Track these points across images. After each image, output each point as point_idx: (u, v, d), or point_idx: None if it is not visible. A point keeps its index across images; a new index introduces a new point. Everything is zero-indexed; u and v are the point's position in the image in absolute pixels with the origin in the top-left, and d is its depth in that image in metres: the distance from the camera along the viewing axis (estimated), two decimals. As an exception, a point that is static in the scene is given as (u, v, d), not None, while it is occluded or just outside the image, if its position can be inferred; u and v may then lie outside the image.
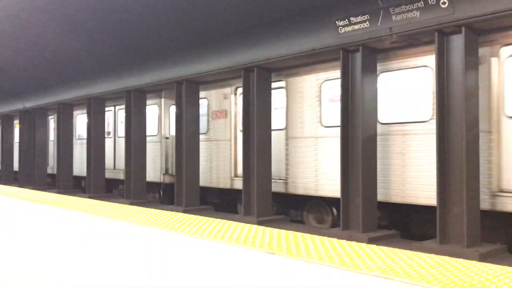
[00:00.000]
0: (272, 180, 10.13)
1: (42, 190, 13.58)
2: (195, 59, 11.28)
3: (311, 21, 8.62)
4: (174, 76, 11.92)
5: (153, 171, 13.94)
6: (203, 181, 12.03)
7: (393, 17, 7.46)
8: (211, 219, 6.69)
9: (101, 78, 14.63)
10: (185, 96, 11.64)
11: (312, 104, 9.65)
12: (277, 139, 10.28)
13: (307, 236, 5.42)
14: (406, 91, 8.35)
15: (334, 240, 5.18)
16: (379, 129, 8.39)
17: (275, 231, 5.71)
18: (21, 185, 18.31)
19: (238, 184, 10.89)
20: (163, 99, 14.16)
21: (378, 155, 8.30)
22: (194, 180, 11.71)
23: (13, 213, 7.47)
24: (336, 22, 8.17)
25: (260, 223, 9.01)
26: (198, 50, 11.09)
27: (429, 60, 7.82)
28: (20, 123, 20.21)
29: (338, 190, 8.34)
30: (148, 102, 13.92)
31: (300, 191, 9.79)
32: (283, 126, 10.26)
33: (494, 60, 7.17)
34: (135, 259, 4.33)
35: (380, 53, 8.36)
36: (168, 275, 3.78)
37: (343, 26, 8.12)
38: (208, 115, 12.27)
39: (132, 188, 13.24)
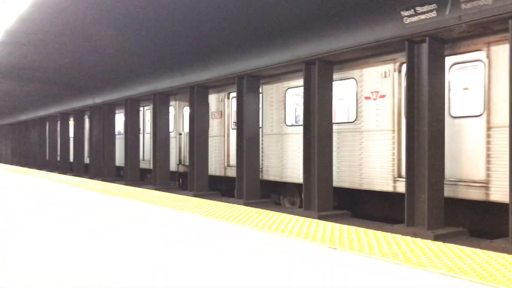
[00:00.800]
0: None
1: (110, 182, 14.20)
2: (256, 54, 11.34)
3: (375, 12, 8.41)
4: (235, 71, 12.05)
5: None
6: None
7: (463, 5, 7.12)
8: (271, 213, 6.72)
9: (165, 74, 15.06)
10: (246, 90, 11.76)
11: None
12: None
13: (370, 231, 5.32)
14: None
15: (398, 236, 5.04)
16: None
17: (336, 226, 5.64)
18: (92, 176, 19.24)
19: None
20: (177, 102, 16.39)
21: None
22: (254, 174, 11.82)
23: (94, 205, 7.85)
24: (401, 12, 7.92)
25: (321, 217, 8.94)
26: (259, 45, 11.13)
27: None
28: (90, 118, 21.24)
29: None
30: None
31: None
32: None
33: None
34: (212, 251, 4.43)
35: (447, 43, 8.02)
36: (236, 265, 3.85)
37: (409, 16, 7.85)
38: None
39: (195, 182, 13.55)
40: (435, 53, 7.87)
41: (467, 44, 7.94)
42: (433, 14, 7.53)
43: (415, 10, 7.75)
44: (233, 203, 7.75)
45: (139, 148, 17.90)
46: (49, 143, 27.13)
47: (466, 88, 8.70)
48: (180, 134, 16.55)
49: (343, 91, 11.15)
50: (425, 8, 7.60)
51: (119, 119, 19.70)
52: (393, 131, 9.06)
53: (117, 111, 19.71)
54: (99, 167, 20.02)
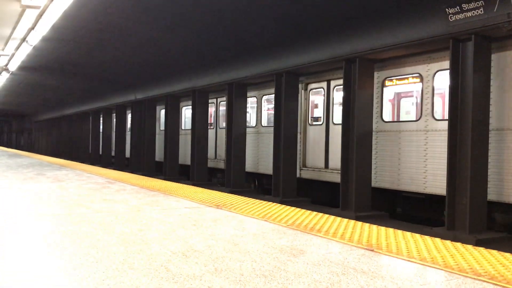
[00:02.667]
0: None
1: (150, 176, 14.46)
2: (295, 51, 11.27)
3: (418, 9, 8.19)
4: (273, 69, 12.01)
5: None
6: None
7: (512, 2, 6.84)
8: (307, 212, 6.67)
9: (204, 71, 15.18)
10: (285, 88, 11.72)
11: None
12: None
13: (408, 234, 5.20)
14: None
15: (437, 240, 4.90)
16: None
17: (374, 227, 5.54)
18: (132, 171, 19.64)
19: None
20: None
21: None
22: (291, 173, 11.77)
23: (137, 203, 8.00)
24: (446, 9, 7.67)
25: (358, 218, 8.80)
26: (299, 42, 11.05)
27: None
28: (131, 113, 21.68)
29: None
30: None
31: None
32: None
33: None
34: (243, 247, 4.44)
35: (495, 42, 7.72)
36: (267, 259, 3.84)
37: (454, 13, 7.60)
38: None
39: (232, 178, 13.62)
40: (481, 51, 7.60)
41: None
42: (480, 11, 7.26)
43: (461, 7, 7.49)
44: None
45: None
46: (92, 137, 27.89)
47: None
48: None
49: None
50: (472, 5, 7.33)
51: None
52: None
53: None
54: (138, 161, 20.40)
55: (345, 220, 6.06)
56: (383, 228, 5.50)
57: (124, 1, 10.47)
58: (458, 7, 7.51)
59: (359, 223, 5.81)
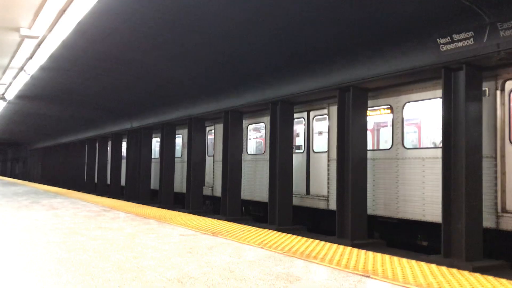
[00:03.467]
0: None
1: (145, 204, 14.37)
2: (290, 80, 11.44)
3: (410, 40, 8.38)
4: (268, 98, 12.17)
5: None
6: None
7: (501, 33, 7.01)
8: (304, 239, 6.66)
9: (201, 100, 15.34)
10: (280, 116, 11.84)
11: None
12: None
13: (404, 260, 5.20)
14: None
15: (433, 266, 4.91)
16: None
17: (370, 254, 5.54)
18: (127, 198, 19.54)
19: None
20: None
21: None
22: (287, 200, 11.77)
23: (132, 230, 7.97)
24: (437, 39, 7.86)
25: (354, 245, 8.77)
26: (293, 72, 11.24)
27: None
28: (127, 142, 21.72)
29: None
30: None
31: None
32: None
33: None
34: (239, 274, 4.43)
35: (485, 71, 7.89)
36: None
37: (445, 43, 7.79)
38: None
39: (228, 205, 13.59)
40: (472, 80, 7.75)
41: (508, 72, 7.80)
42: (471, 41, 7.44)
43: (451, 38, 7.67)
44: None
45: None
46: (87, 165, 27.83)
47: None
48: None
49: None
50: (462, 35, 7.52)
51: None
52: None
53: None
54: (134, 189, 20.35)
55: (341, 247, 6.06)
56: (379, 255, 5.50)
57: (121, 31, 10.64)
58: (449, 37, 7.69)
59: (355, 250, 5.81)
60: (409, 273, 4.57)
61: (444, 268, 4.81)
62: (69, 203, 12.34)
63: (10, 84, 17.96)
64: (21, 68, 15.26)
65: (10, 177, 48.71)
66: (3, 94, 20.35)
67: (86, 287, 3.81)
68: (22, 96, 20.50)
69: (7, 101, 21.71)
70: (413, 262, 5.12)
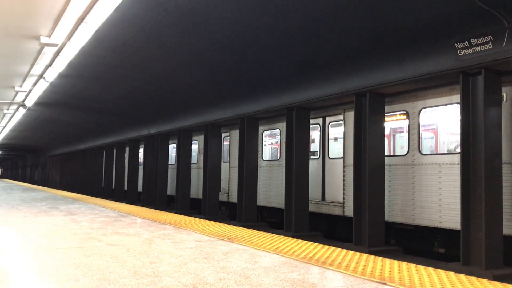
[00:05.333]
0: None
1: (161, 210, 14.45)
2: (306, 86, 11.43)
3: (428, 45, 8.31)
4: (284, 103, 12.17)
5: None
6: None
7: (521, 37, 6.92)
8: (319, 245, 6.62)
9: (217, 106, 15.41)
10: (296, 121, 11.83)
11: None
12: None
13: (421, 268, 5.13)
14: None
15: (451, 273, 4.83)
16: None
17: (386, 261, 5.48)
18: (144, 204, 19.67)
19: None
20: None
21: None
22: (303, 207, 11.73)
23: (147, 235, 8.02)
24: (455, 44, 7.78)
25: (371, 252, 8.70)
26: (309, 77, 11.23)
27: None
28: (144, 148, 21.90)
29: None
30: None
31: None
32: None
33: None
34: (255, 280, 4.42)
35: (504, 76, 7.78)
36: (276, 297, 3.81)
37: (463, 48, 7.70)
38: None
39: (244, 211, 13.59)
40: (491, 85, 7.65)
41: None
42: (489, 46, 7.35)
43: (469, 42, 7.59)
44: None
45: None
46: (105, 171, 28.11)
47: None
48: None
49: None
50: (481, 39, 7.43)
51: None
52: None
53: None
54: (150, 194, 20.49)
55: (358, 253, 6.01)
56: (396, 262, 5.44)
57: (138, 39, 10.76)
58: (467, 42, 7.61)
59: (372, 257, 5.76)
60: (426, 280, 4.51)
61: (462, 276, 4.74)
62: (86, 208, 12.47)
63: (30, 91, 18.28)
64: (41, 76, 15.53)
65: (30, 183, 49.43)
66: (23, 101, 20.71)
67: (102, 292, 3.85)
68: (42, 103, 20.84)
69: (27, 108, 22.08)
70: (431, 269, 5.05)
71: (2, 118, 28.36)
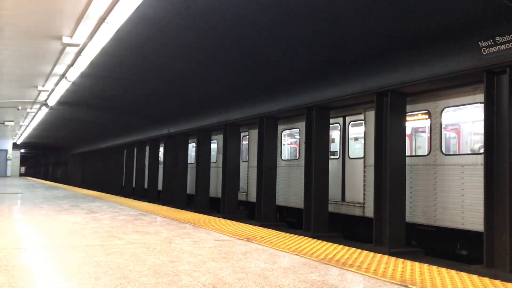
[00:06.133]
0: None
1: (181, 209, 14.54)
2: (326, 85, 11.35)
3: (450, 43, 8.17)
4: (304, 103, 12.11)
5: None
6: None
7: (547, 35, 6.75)
8: (339, 246, 6.57)
9: (236, 105, 15.43)
10: (315, 121, 11.76)
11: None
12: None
13: (443, 270, 5.04)
14: None
15: (474, 276, 4.74)
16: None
17: (407, 263, 5.40)
18: (164, 203, 19.81)
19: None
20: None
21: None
22: (323, 207, 11.65)
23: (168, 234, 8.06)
24: (479, 42, 7.63)
25: (392, 254, 8.59)
26: (329, 76, 11.15)
27: None
28: (164, 147, 22.07)
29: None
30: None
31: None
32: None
33: None
34: (274, 280, 4.40)
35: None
36: (296, 298, 3.78)
37: (487, 46, 7.55)
38: None
39: (262, 211, 13.58)
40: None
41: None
42: (514, 44, 7.19)
43: (494, 40, 7.43)
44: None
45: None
46: (126, 170, 28.41)
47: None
48: None
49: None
50: (506, 38, 7.27)
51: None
52: None
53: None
54: (170, 193, 20.63)
55: (378, 255, 5.93)
56: (417, 264, 5.36)
57: (159, 38, 10.83)
58: (491, 40, 7.45)
59: (393, 258, 5.68)
60: (448, 283, 4.42)
61: (486, 280, 4.64)
62: (107, 207, 12.60)
63: (53, 90, 18.57)
64: (63, 75, 15.76)
65: (52, 181, 50.27)
66: (46, 100, 21.05)
67: (122, 291, 3.87)
68: (63, 102, 21.15)
69: (50, 107, 22.44)
70: (453, 272, 4.96)
71: (26, 117, 28.88)
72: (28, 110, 24.85)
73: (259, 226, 10.63)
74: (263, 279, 4.43)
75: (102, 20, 9.87)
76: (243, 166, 16.61)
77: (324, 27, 9.00)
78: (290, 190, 13.74)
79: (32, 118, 28.77)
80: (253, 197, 15.12)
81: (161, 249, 5.99)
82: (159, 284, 4.13)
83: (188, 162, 20.51)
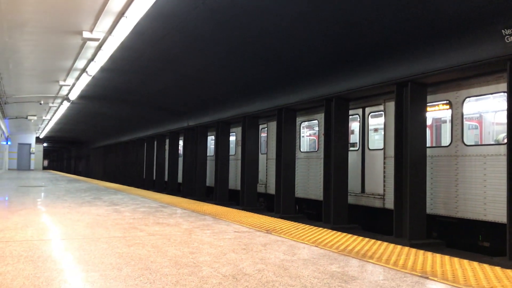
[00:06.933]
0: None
1: (201, 201, 14.66)
2: (345, 76, 11.27)
3: (473, 32, 8.02)
4: (322, 94, 12.04)
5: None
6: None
7: None
8: (359, 238, 6.55)
9: (254, 98, 15.43)
10: (334, 112, 11.70)
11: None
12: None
13: (465, 262, 4.99)
14: None
15: (497, 269, 4.68)
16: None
17: (428, 255, 5.36)
18: (184, 195, 19.99)
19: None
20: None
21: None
22: (342, 199, 11.62)
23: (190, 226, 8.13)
24: (502, 31, 7.47)
25: (412, 246, 8.54)
26: (348, 67, 11.06)
27: None
28: (184, 140, 22.22)
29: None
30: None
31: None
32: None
33: None
34: (294, 272, 4.43)
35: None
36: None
37: (511, 34, 7.39)
38: None
39: (282, 203, 13.60)
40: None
41: None
42: (539, 31, 7.03)
43: (518, 28, 7.28)
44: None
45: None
46: (146, 163, 28.72)
47: None
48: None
49: None
50: (530, 25, 7.11)
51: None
52: None
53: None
54: (190, 186, 20.79)
55: (398, 246, 5.90)
56: (438, 255, 5.32)
57: (177, 32, 10.88)
58: (515, 28, 7.30)
59: (413, 250, 5.64)
60: (471, 275, 4.38)
61: (510, 272, 4.58)
62: (128, 199, 12.77)
63: (74, 85, 18.83)
64: (84, 70, 15.96)
65: (74, 174, 51.09)
66: (67, 94, 21.36)
67: (144, 281, 3.93)
68: (85, 97, 21.44)
69: (71, 102, 22.77)
70: (475, 264, 4.91)
71: (48, 112, 29.38)
72: (50, 104, 25.27)
73: (278, 218, 10.66)
74: (283, 270, 4.45)
75: (121, 14, 9.96)
76: (262, 158, 16.64)
77: (343, 17, 8.92)
78: (309, 182, 13.73)
79: (54, 113, 29.25)
80: (272, 189, 15.15)
81: (181, 240, 6.06)
82: (180, 274, 4.19)
83: (207, 155, 20.63)
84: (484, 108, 9.75)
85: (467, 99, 9.21)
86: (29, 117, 31.18)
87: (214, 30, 10.55)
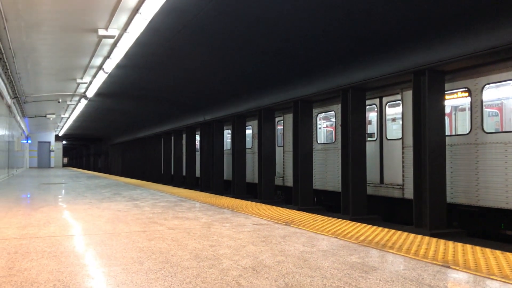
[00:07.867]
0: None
1: (218, 194, 14.74)
2: (361, 66, 11.17)
3: (492, 16, 7.88)
4: (339, 85, 11.96)
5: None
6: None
7: None
8: (379, 228, 6.51)
9: (270, 90, 15.40)
10: (351, 103, 11.61)
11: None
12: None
13: (488, 250, 4.93)
14: None
15: (521, 257, 4.61)
16: None
17: (449, 244, 5.31)
18: (202, 189, 20.10)
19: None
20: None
21: None
22: (361, 190, 11.56)
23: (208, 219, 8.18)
24: (522, 15, 7.33)
25: (433, 235, 8.46)
26: (364, 57, 10.96)
27: None
28: (200, 134, 22.32)
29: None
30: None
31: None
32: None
33: None
34: (313, 263, 4.43)
35: None
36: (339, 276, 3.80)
37: (531, 19, 7.24)
38: None
39: (300, 195, 13.59)
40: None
41: None
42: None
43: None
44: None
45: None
46: (164, 158, 28.94)
47: None
48: None
49: None
50: (550, 8, 6.96)
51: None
52: None
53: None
54: (207, 180, 20.89)
55: (419, 236, 5.85)
56: (459, 244, 5.26)
57: (190, 28, 10.89)
58: (536, 12, 7.15)
59: (434, 239, 5.59)
60: (493, 264, 4.33)
61: (533, 259, 4.51)
62: (148, 194, 12.89)
63: (91, 82, 19.01)
64: (100, 67, 16.10)
65: (93, 171, 51.69)
66: (85, 92, 21.59)
67: (166, 274, 3.97)
68: (101, 94, 21.65)
69: (88, 99, 23.01)
70: (498, 252, 4.84)
71: (66, 110, 29.76)
72: (68, 102, 25.59)
73: (297, 210, 10.66)
74: (303, 262, 4.45)
75: (135, 11, 10.00)
76: (278, 151, 16.64)
77: (358, 6, 8.83)
78: (327, 174, 13.69)
79: (72, 110, 29.61)
80: (289, 182, 15.15)
81: (201, 233, 6.09)
82: (201, 267, 4.22)
83: (224, 149, 20.70)
84: (505, 95, 9.58)
85: (487, 85, 9.06)
86: (48, 116, 31.62)
87: (227, 24, 10.54)
